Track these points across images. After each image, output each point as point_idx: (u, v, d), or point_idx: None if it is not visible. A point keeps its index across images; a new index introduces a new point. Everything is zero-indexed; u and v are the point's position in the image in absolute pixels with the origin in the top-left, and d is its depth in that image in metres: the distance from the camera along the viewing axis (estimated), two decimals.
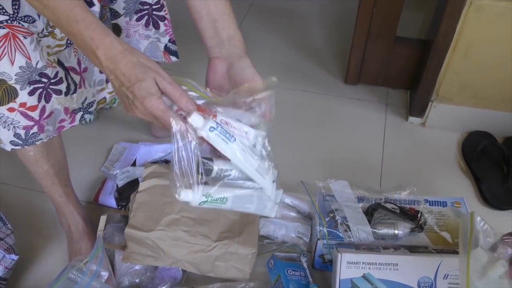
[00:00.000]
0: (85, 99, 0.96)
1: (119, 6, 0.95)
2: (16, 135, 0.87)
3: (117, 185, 1.22)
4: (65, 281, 0.87)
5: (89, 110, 0.98)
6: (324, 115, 1.51)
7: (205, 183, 0.65)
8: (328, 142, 1.42)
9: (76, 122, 0.96)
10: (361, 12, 1.44)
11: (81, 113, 0.96)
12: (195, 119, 0.63)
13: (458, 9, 1.18)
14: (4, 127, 0.86)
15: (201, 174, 0.64)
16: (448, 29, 1.22)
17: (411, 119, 1.46)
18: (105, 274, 0.94)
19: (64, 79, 0.87)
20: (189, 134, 0.62)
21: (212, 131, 0.63)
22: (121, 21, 0.98)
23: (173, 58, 1.12)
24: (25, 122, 0.86)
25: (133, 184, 1.20)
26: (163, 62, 1.11)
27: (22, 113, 0.84)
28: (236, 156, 0.65)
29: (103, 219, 1.09)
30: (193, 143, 0.62)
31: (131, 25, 1.00)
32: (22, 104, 0.83)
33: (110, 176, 1.28)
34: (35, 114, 0.86)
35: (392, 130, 1.45)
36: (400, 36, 1.47)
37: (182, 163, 0.62)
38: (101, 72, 0.98)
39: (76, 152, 1.32)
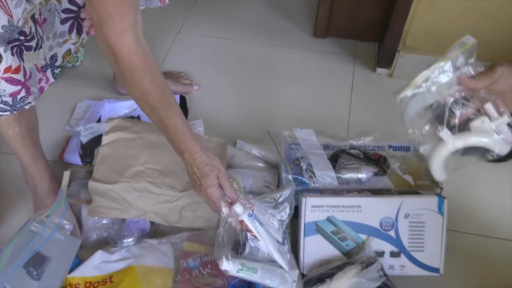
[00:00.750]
0: (45, 53, 0.93)
1: None
2: (4, 102, 0.85)
3: (81, 141, 1.20)
4: (26, 233, 0.86)
5: (55, 64, 0.95)
6: (293, 68, 1.50)
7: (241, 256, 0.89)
8: (297, 94, 1.42)
9: (51, 80, 0.94)
10: None
11: (49, 69, 0.94)
12: (239, 206, 0.86)
13: None
14: None
15: (240, 249, 0.88)
16: None
17: (379, 70, 1.46)
18: (69, 226, 0.93)
19: (35, 34, 0.84)
20: (231, 218, 0.87)
21: (250, 216, 0.86)
22: None
23: (167, 1, 1.15)
24: (11, 88, 0.83)
25: (97, 140, 1.18)
26: (159, 7, 1.14)
27: (7, 79, 0.81)
28: (264, 237, 0.86)
29: (66, 174, 1.08)
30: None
31: None
32: (7, 69, 0.80)
33: (74, 133, 1.25)
34: (20, 76, 0.83)
35: (360, 82, 1.45)
36: None
37: (225, 239, 0.86)
38: (62, 23, 0.95)
39: (41, 111, 1.28)
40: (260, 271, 0.87)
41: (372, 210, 0.93)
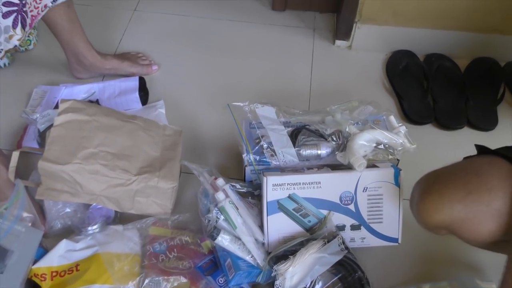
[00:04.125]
0: None
1: None
2: None
3: (38, 130, 1.17)
4: None
5: None
6: (252, 43, 1.49)
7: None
8: (257, 69, 1.41)
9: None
10: None
11: None
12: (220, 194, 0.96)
13: None
14: None
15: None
16: None
17: (338, 42, 1.47)
18: (29, 217, 0.92)
19: None
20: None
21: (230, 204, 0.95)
22: None
23: None
24: None
25: None
26: None
27: None
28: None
29: (15, 154, 1.03)
30: None
31: None
32: None
33: (31, 121, 1.22)
34: None
35: (320, 55, 1.46)
36: None
37: None
38: (4, 17, 0.91)
39: None
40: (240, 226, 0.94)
41: (331, 186, 0.95)
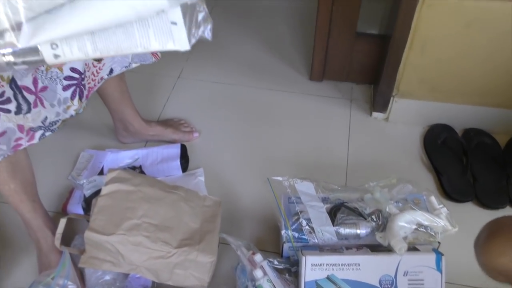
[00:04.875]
0: (46, 118, 0.95)
1: None
2: None
3: (84, 195, 1.22)
4: None
5: (51, 128, 0.97)
6: (290, 112, 1.53)
7: None
8: (295, 139, 1.44)
9: (35, 140, 0.95)
10: (321, 9, 1.45)
11: (41, 131, 0.96)
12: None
13: (412, 7, 1.20)
14: None
15: None
16: (403, 26, 1.25)
17: (375, 114, 1.49)
18: (72, 286, 0.95)
19: (12, 98, 0.86)
20: None
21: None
22: None
23: (159, 54, 1.19)
24: None
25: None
26: (153, 62, 1.19)
27: None
28: None
29: (62, 222, 1.08)
30: None
31: None
32: None
33: (77, 186, 1.27)
34: None
35: (357, 126, 1.48)
36: (360, 32, 1.49)
37: None
38: (64, 90, 0.98)
39: (42, 161, 1.31)
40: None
41: (371, 268, 0.94)
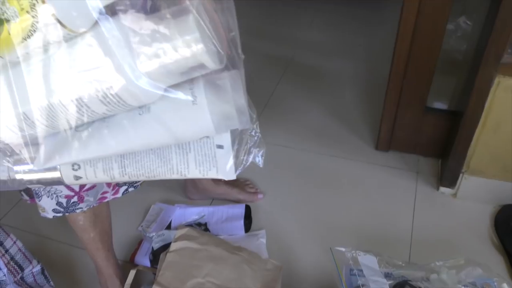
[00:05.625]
0: None
1: None
2: (59, 203, 0.95)
3: (152, 247, 1.28)
4: None
5: (134, 185, 1.05)
6: (354, 181, 1.54)
7: None
8: (358, 209, 1.44)
9: (119, 195, 1.03)
10: (392, 80, 1.48)
11: (125, 187, 1.04)
12: None
13: (486, 88, 1.21)
14: (48, 196, 0.94)
15: None
16: (477, 105, 1.25)
17: (442, 189, 1.47)
18: None
19: None
20: None
21: None
22: None
23: None
24: (66, 191, 0.94)
25: (167, 248, 1.25)
26: None
27: None
28: None
29: (132, 273, 1.14)
30: None
31: None
32: None
33: (146, 238, 1.34)
34: (76, 186, 0.94)
35: (423, 200, 1.46)
36: (430, 107, 1.50)
37: None
38: None
39: (117, 209, 1.39)
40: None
41: None
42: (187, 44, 0.38)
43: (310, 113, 1.84)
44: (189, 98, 0.40)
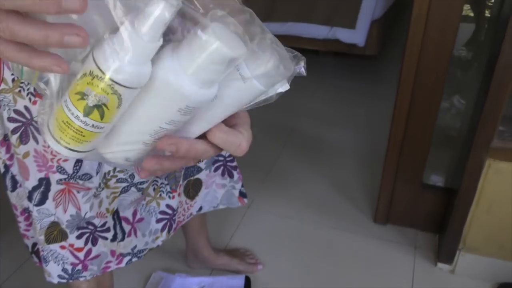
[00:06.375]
0: (135, 246, 1.07)
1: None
2: (64, 270, 0.98)
3: None
4: None
5: (138, 255, 1.09)
6: (353, 254, 1.56)
7: None
8: (357, 283, 1.45)
9: (123, 265, 1.06)
10: (389, 156, 1.54)
11: (129, 257, 1.07)
12: None
13: (478, 170, 1.26)
14: (55, 262, 0.97)
15: None
16: (469, 186, 1.30)
17: (440, 265, 1.48)
18: None
19: (111, 228, 1.00)
20: None
21: None
22: (202, 175, 1.15)
23: (245, 200, 1.30)
24: (72, 259, 0.98)
25: None
26: (238, 206, 1.30)
27: (71, 251, 0.96)
28: None
29: None
30: None
31: (210, 176, 1.17)
32: (71, 245, 0.96)
33: None
34: (81, 255, 0.98)
35: (421, 275, 1.47)
36: (426, 184, 1.55)
37: None
38: (157, 222, 1.11)
39: (117, 277, 1.41)
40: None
41: None
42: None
43: (310, 184, 1.89)
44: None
